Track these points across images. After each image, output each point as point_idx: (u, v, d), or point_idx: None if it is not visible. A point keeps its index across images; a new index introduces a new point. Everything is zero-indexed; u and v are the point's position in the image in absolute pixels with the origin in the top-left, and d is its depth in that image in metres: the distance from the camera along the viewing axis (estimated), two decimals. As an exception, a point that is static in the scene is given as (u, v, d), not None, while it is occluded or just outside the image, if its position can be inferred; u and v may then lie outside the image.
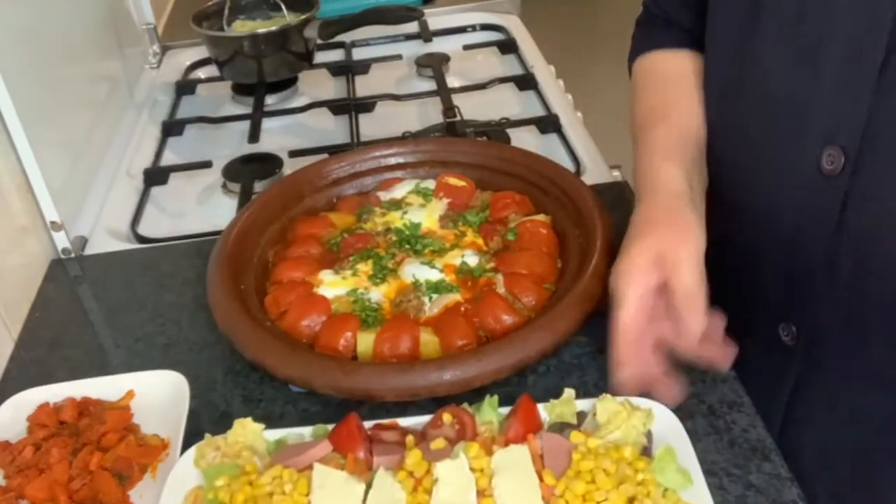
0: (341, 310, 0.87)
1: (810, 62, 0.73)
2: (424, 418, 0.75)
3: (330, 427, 0.74)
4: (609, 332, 0.74)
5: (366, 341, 0.83)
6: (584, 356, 0.85)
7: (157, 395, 0.84)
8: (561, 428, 0.73)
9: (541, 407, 0.75)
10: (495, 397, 0.75)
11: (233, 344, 0.84)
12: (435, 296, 0.87)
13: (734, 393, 0.80)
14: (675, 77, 0.93)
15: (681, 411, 0.78)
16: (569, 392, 0.76)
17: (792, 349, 0.84)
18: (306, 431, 0.75)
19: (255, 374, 0.87)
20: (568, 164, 1.18)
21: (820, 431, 0.77)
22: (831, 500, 0.79)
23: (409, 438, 0.72)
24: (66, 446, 0.79)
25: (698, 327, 0.72)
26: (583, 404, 0.75)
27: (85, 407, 0.84)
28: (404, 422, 0.75)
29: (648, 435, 0.72)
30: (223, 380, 0.88)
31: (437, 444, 0.71)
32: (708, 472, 0.72)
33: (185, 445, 0.75)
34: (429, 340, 0.82)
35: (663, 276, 0.74)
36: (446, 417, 0.73)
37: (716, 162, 0.88)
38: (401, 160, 1.07)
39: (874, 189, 0.71)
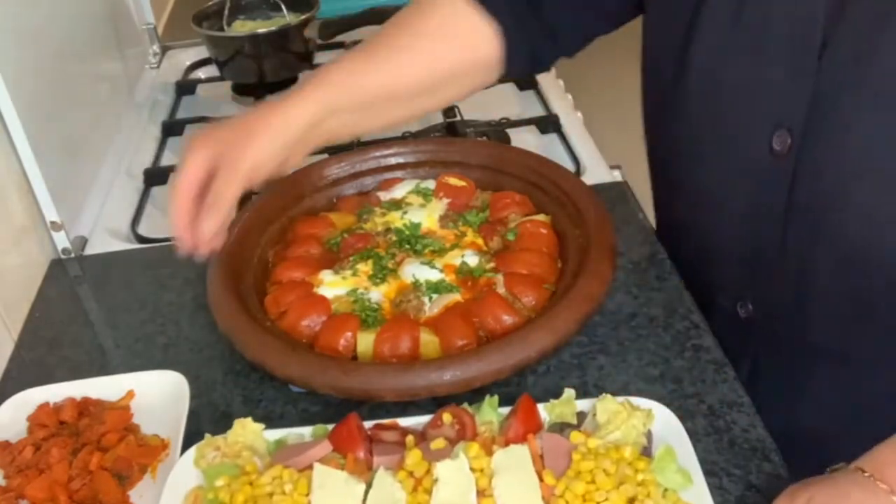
0: (341, 310, 0.87)
1: (755, 50, 0.75)
2: (424, 418, 0.75)
3: (330, 427, 0.74)
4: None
5: (366, 341, 0.83)
6: (584, 356, 0.86)
7: (156, 395, 0.84)
8: (561, 428, 0.73)
9: (541, 407, 0.75)
10: (495, 397, 0.75)
11: (233, 344, 0.84)
12: (435, 296, 0.87)
13: (734, 393, 0.80)
14: (433, 32, 0.89)
15: (681, 411, 0.78)
16: (569, 392, 0.76)
17: (749, 326, 0.87)
18: (306, 431, 0.75)
19: (255, 374, 0.87)
20: (568, 164, 1.18)
21: (778, 410, 0.79)
22: (793, 478, 0.79)
23: (410, 438, 0.72)
24: (65, 446, 0.79)
25: (208, 226, 0.79)
26: (583, 404, 0.75)
27: (85, 407, 0.84)
28: (404, 422, 0.75)
29: (648, 435, 0.72)
30: (223, 380, 0.88)
31: (438, 444, 0.71)
32: (708, 472, 0.72)
33: (186, 445, 0.75)
34: (429, 340, 0.82)
35: (215, 167, 0.79)
36: (446, 417, 0.73)
37: (666, 148, 0.90)
38: (401, 160, 1.07)
39: (820, 167, 0.74)
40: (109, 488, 0.76)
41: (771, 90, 0.76)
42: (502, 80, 0.95)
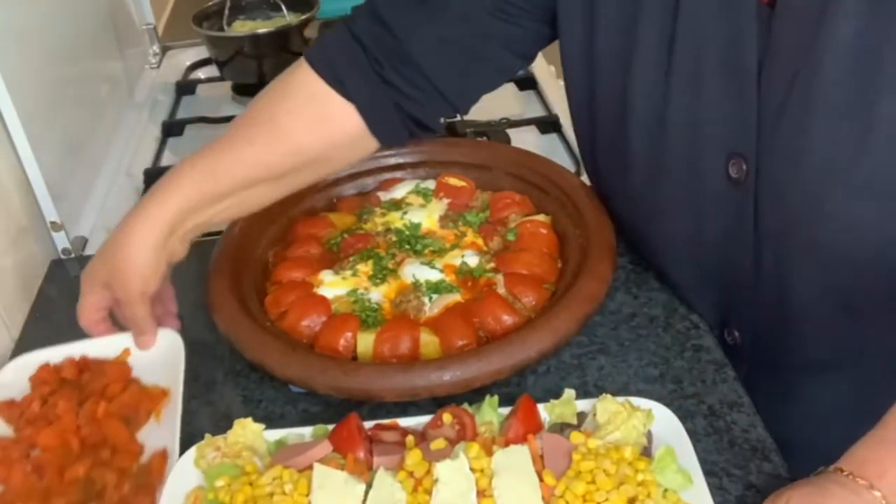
0: (341, 310, 0.87)
1: (693, 84, 0.75)
2: (424, 418, 0.75)
3: (330, 427, 0.74)
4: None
5: (366, 341, 0.83)
6: (583, 356, 0.86)
7: (152, 352, 0.87)
8: (561, 428, 0.73)
9: (541, 407, 0.75)
10: (495, 397, 0.75)
11: (233, 344, 0.84)
12: (435, 296, 0.87)
13: (734, 393, 0.80)
14: (297, 111, 0.88)
15: (681, 411, 0.78)
16: (569, 392, 0.76)
17: (738, 350, 0.87)
18: (306, 432, 0.75)
19: (255, 375, 0.87)
20: (568, 164, 1.19)
21: (772, 422, 0.80)
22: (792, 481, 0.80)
23: (410, 438, 0.72)
24: (71, 398, 0.82)
25: (147, 341, 0.86)
26: (583, 405, 0.75)
27: (84, 365, 0.86)
28: (404, 422, 0.75)
29: (648, 435, 0.72)
30: (223, 380, 0.88)
31: (438, 444, 0.71)
32: (708, 473, 0.72)
33: (184, 448, 0.75)
34: (429, 340, 0.82)
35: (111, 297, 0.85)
36: (446, 418, 0.73)
37: (618, 200, 0.90)
38: (401, 160, 1.07)
39: (782, 188, 0.74)
40: (118, 432, 0.78)
41: (717, 121, 0.75)
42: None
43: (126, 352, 0.87)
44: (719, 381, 0.82)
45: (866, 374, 0.83)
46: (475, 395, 0.77)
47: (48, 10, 1.16)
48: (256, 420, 0.76)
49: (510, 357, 0.78)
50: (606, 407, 0.73)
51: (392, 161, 1.07)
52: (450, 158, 1.06)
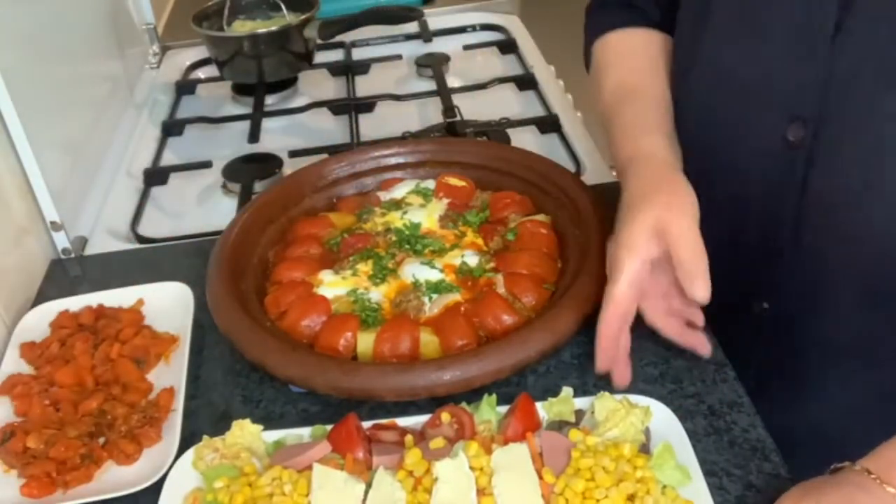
0: (341, 310, 0.87)
1: (762, 38, 0.75)
2: (423, 418, 0.75)
3: (329, 427, 0.74)
4: (602, 302, 0.76)
5: (366, 341, 0.83)
6: (583, 356, 0.85)
7: (164, 302, 0.95)
8: (559, 426, 0.73)
9: (539, 405, 0.75)
10: (493, 396, 0.75)
11: (233, 344, 0.84)
12: (435, 296, 0.87)
13: (734, 393, 0.80)
14: (639, 51, 0.94)
15: (681, 411, 0.78)
16: (567, 390, 0.76)
17: (762, 323, 0.86)
18: (305, 432, 0.75)
19: (255, 374, 0.87)
20: (568, 164, 1.18)
21: (787, 409, 0.80)
22: (796, 476, 0.79)
23: (409, 438, 0.72)
24: (87, 341, 0.90)
25: (704, 294, 0.73)
26: (581, 402, 0.75)
27: (101, 312, 0.95)
28: (403, 422, 0.75)
29: (646, 432, 0.72)
30: (223, 380, 0.88)
31: (437, 443, 0.71)
32: (708, 473, 0.72)
33: (184, 444, 0.76)
34: (429, 340, 0.82)
35: (664, 248, 0.74)
36: (445, 417, 0.73)
37: (681, 143, 0.89)
38: (401, 160, 1.07)
39: (838, 157, 0.73)
40: (130, 371, 0.86)
41: (783, 80, 0.74)
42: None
43: (140, 301, 0.96)
44: (719, 381, 0.82)
45: (885, 370, 0.82)
46: (475, 395, 0.77)
47: (48, 10, 1.16)
48: (256, 420, 0.76)
49: (510, 357, 0.78)
50: (605, 404, 0.73)
51: (392, 161, 1.07)
52: (450, 158, 1.06)
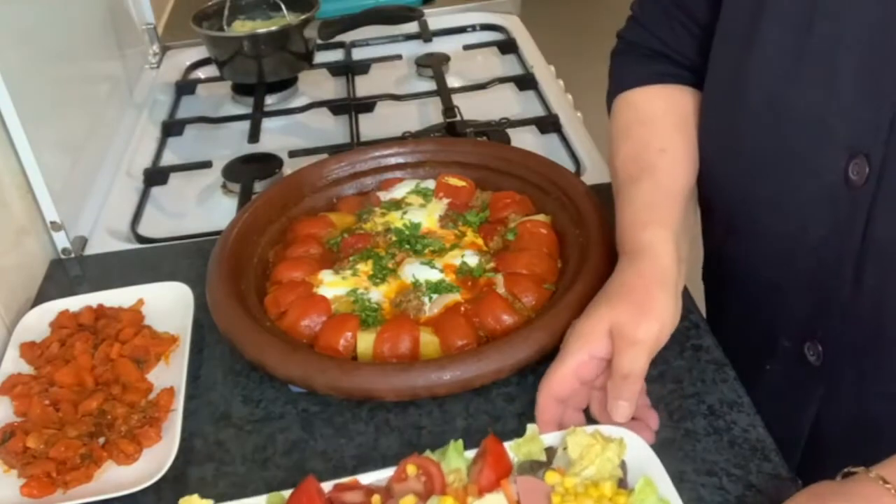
0: (341, 310, 0.87)
1: (825, 72, 0.70)
2: (386, 472, 0.69)
3: (286, 494, 0.68)
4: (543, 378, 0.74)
5: (366, 341, 0.83)
6: (584, 356, 0.85)
7: (164, 302, 0.95)
8: (532, 467, 0.68)
9: (507, 446, 0.69)
10: (460, 442, 0.69)
11: (233, 344, 0.84)
12: (435, 296, 0.87)
13: (734, 393, 0.80)
14: (660, 118, 0.88)
15: (681, 411, 0.78)
16: (531, 428, 0.71)
17: (817, 369, 0.81)
18: (261, 501, 0.69)
19: (255, 374, 0.87)
20: (568, 164, 1.18)
21: (843, 459, 0.71)
22: (793, 480, 0.77)
23: (375, 498, 0.66)
24: (87, 341, 0.90)
25: (623, 413, 0.71)
26: (549, 439, 0.71)
27: (101, 312, 0.95)
28: (365, 478, 0.69)
29: (622, 465, 0.68)
30: (223, 380, 0.88)
31: (407, 501, 0.65)
32: (708, 472, 0.72)
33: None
34: (429, 340, 0.82)
35: (611, 351, 0.73)
36: (410, 469, 0.67)
37: (719, 188, 0.85)
38: (401, 160, 1.07)
39: None
40: (130, 371, 0.86)
41: (844, 114, 0.70)
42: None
43: (140, 301, 0.96)
44: (719, 381, 0.82)
45: None
46: (475, 394, 0.77)
47: (48, 10, 1.16)
48: (256, 421, 0.76)
49: (510, 357, 0.78)
50: (577, 440, 0.68)
51: (392, 161, 1.07)
52: (450, 158, 1.06)
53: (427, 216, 0.98)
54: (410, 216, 0.98)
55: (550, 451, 0.70)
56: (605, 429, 0.70)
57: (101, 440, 0.80)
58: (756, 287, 0.85)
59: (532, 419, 0.73)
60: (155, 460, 0.77)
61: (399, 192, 1.03)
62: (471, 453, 0.69)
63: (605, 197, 0.96)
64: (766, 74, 0.74)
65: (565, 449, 0.69)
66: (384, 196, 1.03)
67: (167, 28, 1.77)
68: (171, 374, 0.87)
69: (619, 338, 0.72)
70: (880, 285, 0.72)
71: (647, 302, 0.73)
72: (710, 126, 0.85)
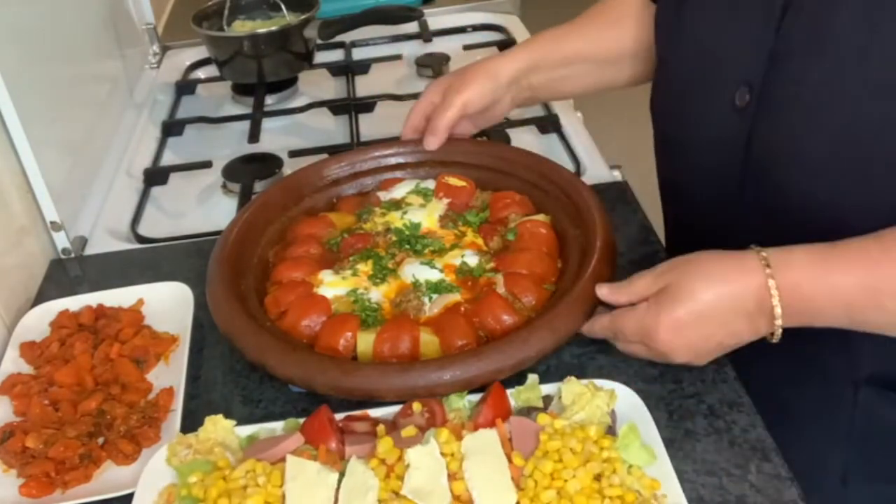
0: (341, 310, 0.87)
1: (731, 5, 0.83)
2: (395, 408, 0.76)
3: (301, 420, 0.75)
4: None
5: (366, 341, 0.83)
6: (583, 356, 0.85)
7: (164, 302, 0.95)
8: (528, 412, 0.74)
9: (508, 393, 0.76)
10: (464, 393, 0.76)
11: (233, 344, 0.84)
12: (435, 296, 0.87)
13: (734, 393, 0.80)
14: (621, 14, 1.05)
15: (681, 411, 0.78)
16: (532, 377, 0.77)
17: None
18: (278, 426, 0.76)
19: (255, 374, 0.87)
20: (568, 164, 1.18)
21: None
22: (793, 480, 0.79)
23: (381, 427, 0.73)
24: (87, 341, 0.90)
25: (429, 142, 1.02)
26: (548, 388, 0.77)
27: (101, 312, 0.95)
28: (375, 412, 0.76)
29: (612, 414, 0.74)
30: (223, 380, 0.88)
31: (408, 431, 0.72)
32: (708, 472, 0.72)
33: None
34: (429, 340, 0.82)
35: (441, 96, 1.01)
36: (416, 406, 0.75)
37: (656, 111, 0.97)
38: (401, 160, 1.07)
39: (774, 123, 0.79)
40: (129, 371, 0.86)
41: (738, 47, 0.81)
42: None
43: (140, 301, 0.96)
44: (719, 381, 0.81)
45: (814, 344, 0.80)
46: (475, 395, 0.77)
47: (48, 10, 1.16)
48: (256, 421, 0.76)
49: (510, 357, 0.78)
50: (571, 389, 0.75)
51: (392, 161, 1.07)
52: (450, 158, 1.06)
53: (427, 216, 0.98)
54: (410, 216, 0.98)
55: (547, 399, 0.77)
56: (598, 381, 0.76)
57: (101, 440, 0.80)
58: (674, 203, 1.01)
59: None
60: (154, 460, 0.77)
61: (399, 192, 1.03)
62: (474, 397, 0.76)
63: (605, 197, 0.96)
64: (697, 20, 0.87)
65: (560, 398, 0.75)
66: (384, 196, 1.03)
67: (167, 28, 1.77)
68: (170, 374, 0.87)
69: (449, 91, 1.01)
70: (762, 204, 0.82)
71: (473, 75, 1.01)
72: (657, 57, 0.97)
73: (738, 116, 0.82)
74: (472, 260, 0.91)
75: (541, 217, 0.97)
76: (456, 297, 0.87)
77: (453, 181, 1.03)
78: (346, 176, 1.06)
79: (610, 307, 0.81)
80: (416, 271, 0.90)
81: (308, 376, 0.79)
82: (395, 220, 0.98)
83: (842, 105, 0.74)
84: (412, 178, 1.06)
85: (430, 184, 1.04)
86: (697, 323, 0.73)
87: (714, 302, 0.72)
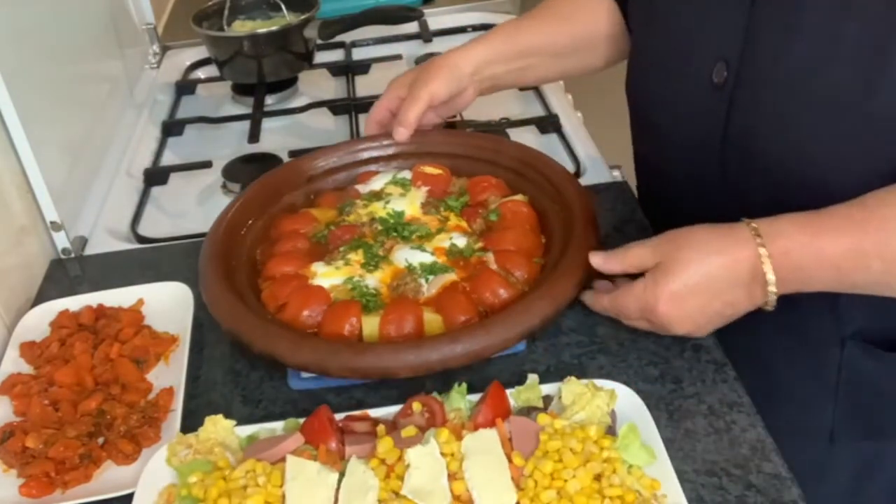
0: (340, 298, 0.87)
1: None
2: (395, 408, 0.76)
3: (301, 420, 0.75)
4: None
5: (371, 325, 0.83)
6: (583, 356, 0.86)
7: (164, 302, 0.95)
8: (528, 412, 0.75)
9: (507, 393, 0.76)
10: (464, 385, 0.76)
11: (239, 338, 0.83)
12: (431, 277, 0.88)
13: (734, 393, 0.80)
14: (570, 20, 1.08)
15: (681, 411, 0.78)
16: (532, 377, 0.77)
17: None
18: (278, 426, 0.76)
19: (255, 374, 0.87)
20: (568, 164, 1.19)
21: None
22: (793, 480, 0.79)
23: (381, 427, 0.73)
24: (87, 340, 0.90)
25: (397, 133, 1.04)
26: (548, 388, 0.77)
27: (101, 312, 0.95)
28: (375, 412, 0.76)
29: (612, 414, 0.74)
30: (223, 380, 0.88)
31: (408, 431, 0.72)
32: (708, 472, 0.72)
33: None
34: (432, 319, 0.83)
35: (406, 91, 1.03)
36: (416, 406, 0.75)
37: (632, 92, 0.98)
38: (374, 154, 1.07)
39: (753, 99, 0.80)
40: (129, 371, 0.86)
41: (713, 24, 0.82)
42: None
43: (140, 301, 0.96)
44: (719, 381, 0.81)
45: (809, 308, 0.81)
46: (486, 365, 0.79)
47: (48, 10, 1.16)
48: (256, 421, 0.76)
49: (517, 325, 0.79)
50: (571, 389, 0.75)
51: (365, 155, 1.07)
52: (421, 150, 1.06)
53: (409, 204, 0.98)
54: (393, 205, 0.98)
55: (547, 399, 0.77)
56: (598, 381, 0.76)
57: (101, 440, 0.80)
58: (652, 182, 1.02)
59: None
60: (154, 460, 0.77)
61: (377, 183, 1.03)
62: (474, 397, 0.76)
63: (605, 197, 0.96)
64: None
65: (560, 398, 0.75)
66: (363, 188, 1.03)
67: (167, 28, 1.77)
68: (170, 374, 0.87)
69: (414, 85, 1.03)
70: (740, 180, 0.83)
71: (436, 70, 1.03)
72: (633, 42, 0.98)
73: (716, 93, 0.82)
74: (461, 241, 0.92)
75: (519, 197, 0.99)
76: (452, 276, 0.88)
77: (429, 170, 1.04)
78: (321, 172, 1.06)
79: (605, 276, 0.83)
80: (408, 255, 0.90)
81: (321, 360, 0.78)
82: (379, 210, 0.98)
83: (819, 78, 0.75)
84: (387, 169, 1.06)
85: (407, 174, 1.04)
86: (694, 294, 0.75)
87: (710, 273, 0.74)
